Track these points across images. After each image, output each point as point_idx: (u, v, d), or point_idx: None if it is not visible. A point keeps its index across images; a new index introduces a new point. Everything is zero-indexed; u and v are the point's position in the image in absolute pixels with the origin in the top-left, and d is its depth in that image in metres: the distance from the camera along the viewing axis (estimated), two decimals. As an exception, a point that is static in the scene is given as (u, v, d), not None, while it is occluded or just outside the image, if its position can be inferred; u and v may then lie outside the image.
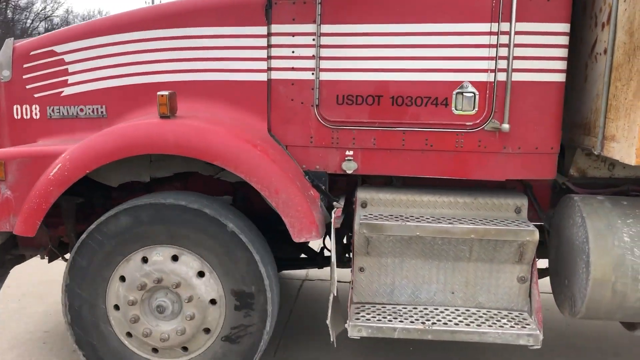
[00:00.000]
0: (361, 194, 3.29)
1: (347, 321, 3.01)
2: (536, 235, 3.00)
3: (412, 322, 3.01)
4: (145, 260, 3.07)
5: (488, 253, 3.10)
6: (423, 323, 3.00)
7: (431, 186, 3.36)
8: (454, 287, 3.20)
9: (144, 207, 3.01)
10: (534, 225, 3.08)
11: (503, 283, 3.16)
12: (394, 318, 3.06)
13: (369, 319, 3.04)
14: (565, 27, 2.99)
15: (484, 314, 3.13)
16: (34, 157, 3.14)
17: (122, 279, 3.09)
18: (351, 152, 3.23)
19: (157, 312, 3.08)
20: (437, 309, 3.17)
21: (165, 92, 3.00)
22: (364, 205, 3.28)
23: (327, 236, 3.17)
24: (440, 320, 3.03)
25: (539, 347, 2.93)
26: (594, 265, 2.91)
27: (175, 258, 3.05)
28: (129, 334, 3.15)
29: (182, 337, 3.07)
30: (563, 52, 3.02)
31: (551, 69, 3.02)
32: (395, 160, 3.20)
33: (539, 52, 3.00)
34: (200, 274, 3.04)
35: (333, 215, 3.00)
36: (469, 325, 3.00)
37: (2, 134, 3.63)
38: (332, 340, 3.02)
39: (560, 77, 3.04)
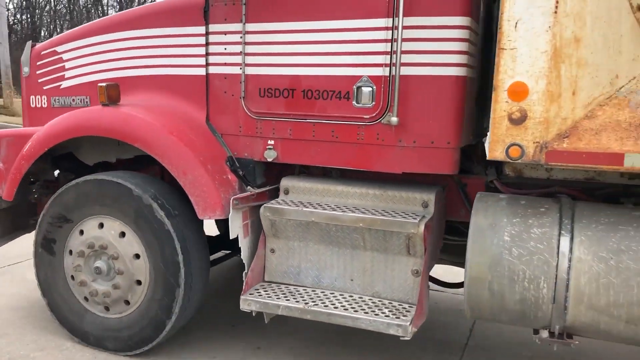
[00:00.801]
0: (284, 182, 3.52)
1: (240, 295, 3.27)
2: (420, 229, 3.01)
3: (296, 301, 3.18)
4: (81, 231, 3.58)
5: (380, 243, 3.16)
6: (306, 303, 3.16)
7: (349, 177, 3.49)
8: (352, 275, 3.30)
9: (81, 183, 3.53)
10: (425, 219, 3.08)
11: (398, 275, 3.19)
12: (285, 297, 3.24)
13: (260, 295, 3.26)
14: (463, 20, 2.96)
15: (375, 302, 3.19)
16: (16, 136, 3.84)
17: (76, 246, 3.63)
18: (272, 142, 3.47)
19: (95, 274, 3.58)
20: (333, 293, 3.29)
21: (104, 84, 3.51)
22: (286, 192, 3.51)
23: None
24: (324, 303, 3.16)
25: (408, 338, 2.94)
26: (469, 262, 2.86)
27: (100, 225, 3.52)
28: (85, 298, 3.68)
29: (119, 291, 3.52)
30: (463, 46, 2.99)
31: (448, 62, 3.00)
32: (308, 150, 3.38)
33: (432, 46, 3.00)
34: (122, 235, 3.47)
35: (231, 199, 3.27)
36: (347, 309, 3.09)
37: (24, 121, 4.43)
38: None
39: (460, 72, 3.01)
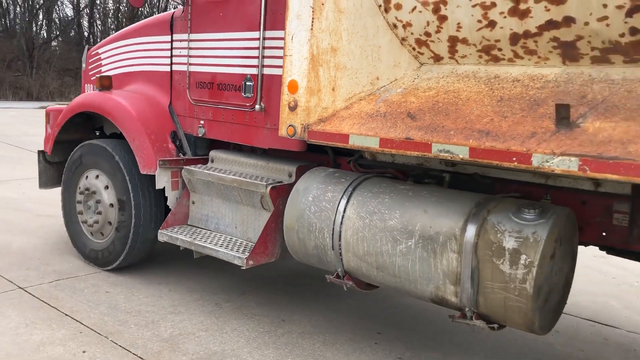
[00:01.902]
0: (211, 153, 4.70)
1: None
2: (267, 191, 3.99)
3: (191, 237, 4.34)
4: (86, 177, 5.10)
5: (249, 200, 4.20)
6: (194, 239, 4.30)
7: (255, 152, 4.54)
8: (236, 223, 4.37)
9: (84, 145, 5.05)
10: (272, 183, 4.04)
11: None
12: (188, 235, 4.41)
13: (172, 231, 4.47)
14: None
15: (243, 243, 4.22)
16: (57, 110, 5.49)
17: (79, 188, 5.18)
18: (202, 122, 4.67)
19: (87, 209, 5.08)
20: (223, 236, 4.39)
21: (99, 75, 4.98)
22: (212, 160, 4.68)
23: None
24: (209, 240, 4.28)
25: (243, 267, 3.95)
26: (285, 215, 3.80)
27: (97, 176, 5.00)
28: (84, 222, 5.22)
29: (99, 225, 4.99)
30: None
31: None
32: (220, 129, 4.52)
33: (279, 52, 3.95)
34: (106, 187, 4.92)
35: (157, 160, 4.52)
36: (216, 245, 4.18)
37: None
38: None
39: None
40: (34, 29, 32.23)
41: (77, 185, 5.18)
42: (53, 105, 5.77)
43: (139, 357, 3.60)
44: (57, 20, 34.04)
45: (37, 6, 32.53)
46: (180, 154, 4.75)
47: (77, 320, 4.04)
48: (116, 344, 3.75)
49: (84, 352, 3.61)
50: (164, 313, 4.27)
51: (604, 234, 3.25)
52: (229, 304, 4.54)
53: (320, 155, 4.25)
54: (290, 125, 3.46)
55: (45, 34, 32.74)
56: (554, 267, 2.96)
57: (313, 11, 3.24)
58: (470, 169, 3.58)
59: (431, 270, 3.15)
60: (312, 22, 3.27)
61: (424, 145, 2.91)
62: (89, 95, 5.15)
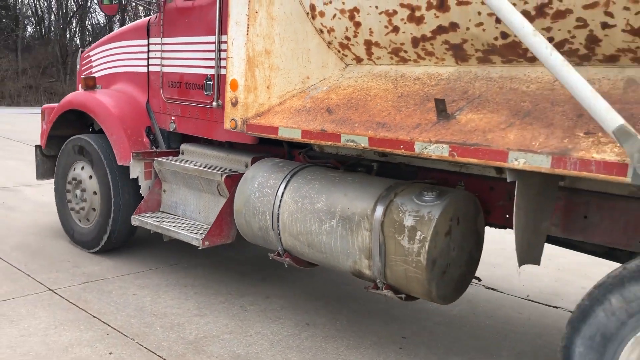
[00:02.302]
0: (182, 146, 5.18)
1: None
2: (222, 179, 4.44)
3: (159, 221, 4.82)
4: (74, 168, 5.63)
5: (209, 188, 4.66)
6: (161, 223, 4.78)
7: (220, 145, 5.00)
8: (199, 209, 4.84)
9: (72, 139, 5.58)
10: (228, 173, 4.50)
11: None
12: (158, 219, 4.90)
13: (145, 216, 4.96)
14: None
15: (204, 227, 4.68)
16: (49, 108, 6.04)
17: (68, 179, 5.71)
18: (173, 118, 5.15)
19: (75, 198, 5.62)
20: (188, 221, 4.86)
21: (83, 76, 5.51)
22: (182, 153, 5.17)
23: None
24: (174, 224, 4.75)
25: (200, 247, 4.41)
26: (235, 200, 4.25)
27: (82, 168, 5.53)
28: (72, 209, 5.75)
29: (84, 212, 5.52)
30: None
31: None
32: (188, 124, 5.00)
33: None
34: (90, 177, 5.44)
35: (131, 152, 5.02)
36: (179, 228, 4.65)
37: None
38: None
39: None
40: (68, 35, 33.46)
41: (66, 175, 5.71)
42: (48, 104, 6.31)
43: (164, 359, 3.66)
44: (89, 27, 35.26)
45: (71, 14, 33.78)
46: (153, 147, 5.24)
47: (104, 322, 4.13)
48: (142, 345, 3.81)
49: (110, 353, 3.69)
50: (189, 315, 4.34)
51: (507, 216, 3.63)
52: (254, 307, 4.59)
53: (278, 147, 4.69)
54: (232, 119, 3.91)
55: (78, 41, 33.95)
56: (451, 244, 3.36)
57: (248, 18, 3.68)
58: (398, 159, 3.98)
59: (349, 246, 3.57)
60: (248, 28, 3.72)
61: (335, 136, 3.33)
62: (75, 94, 5.68)
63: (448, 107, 3.04)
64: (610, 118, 2.29)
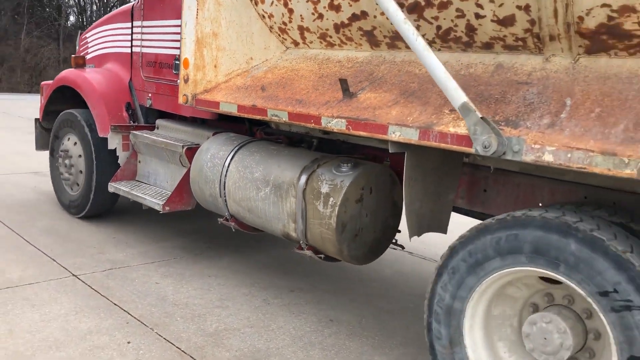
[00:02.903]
0: (157, 122, 5.65)
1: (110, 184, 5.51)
2: (183, 151, 4.89)
3: (131, 189, 5.30)
4: (64, 140, 6.16)
5: (173, 158, 5.11)
6: (132, 190, 5.26)
7: (193, 121, 5.44)
8: (167, 179, 5.30)
9: (64, 113, 6.11)
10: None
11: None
12: (130, 187, 5.38)
13: (119, 184, 5.45)
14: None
15: (167, 194, 5.14)
16: (46, 84, 6.58)
17: (60, 150, 6.24)
18: (150, 95, 5.62)
19: (65, 167, 6.15)
20: (157, 189, 5.33)
21: (74, 55, 6.01)
22: (157, 127, 5.64)
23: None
24: (144, 192, 5.23)
25: (161, 211, 4.88)
26: (191, 169, 4.69)
27: (69, 139, 6.05)
28: (63, 178, 6.29)
29: (72, 180, 6.05)
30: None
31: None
32: (161, 101, 5.46)
33: (201, 37, 4.84)
34: (78, 150, 5.96)
35: (110, 125, 5.51)
36: (146, 194, 5.13)
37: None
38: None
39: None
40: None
41: (58, 147, 6.26)
42: (46, 81, 6.85)
43: (182, 350, 3.62)
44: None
45: (112, 4, 34.79)
46: (132, 121, 5.72)
47: (124, 310, 4.10)
48: (160, 336, 3.78)
49: (128, 342, 3.66)
50: (210, 307, 4.29)
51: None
52: (277, 301, 4.52)
53: (241, 124, 5.10)
54: (184, 95, 4.34)
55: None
56: (363, 210, 3.73)
57: (197, 3, 4.10)
58: (337, 136, 4.36)
59: (280, 211, 3.98)
60: (197, 12, 4.13)
61: (263, 111, 3.74)
62: (67, 72, 6.20)
63: (355, 86, 3.41)
64: (457, 96, 2.65)
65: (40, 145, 6.85)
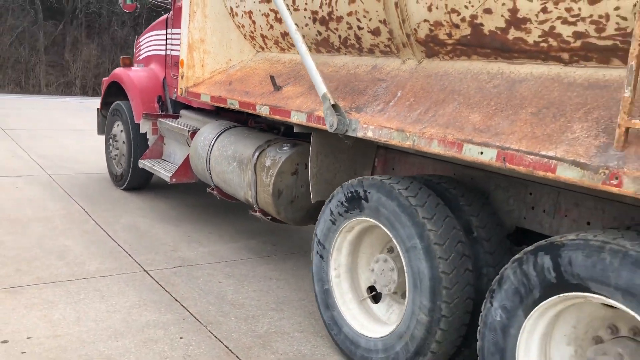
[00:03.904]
0: (181, 112, 6.86)
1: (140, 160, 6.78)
2: (188, 134, 6.03)
3: (157, 165, 6.52)
4: (113, 126, 7.55)
5: (183, 140, 6.27)
6: (155, 166, 6.49)
7: (206, 112, 6.59)
8: (181, 157, 6.46)
9: (114, 104, 7.49)
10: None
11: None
12: (157, 164, 6.61)
13: (148, 162, 6.69)
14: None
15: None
16: (104, 80, 8.00)
17: (110, 134, 7.64)
18: (175, 90, 6.82)
19: (114, 147, 7.53)
20: (174, 166, 6.52)
21: (122, 56, 7.37)
22: (180, 117, 6.85)
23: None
24: (167, 168, 6.44)
25: (169, 182, 6.05)
26: (190, 148, 5.82)
27: (118, 125, 7.41)
28: (112, 156, 7.68)
29: (118, 156, 7.41)
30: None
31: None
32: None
33: (205, 42, 5.97)
34: (121, 132, 7.30)
35: (142, 113, 6.77)
36: (161, 169, 6.32)
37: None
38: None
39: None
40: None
41: (110, 131, 7.66)
42: (105, 78, 8.29)
43: (230, 350, 3.72)
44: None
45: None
46: (161, 111, 6.97)
47: (184, 307, 4.27)
48: (212, 334, 3.91)
49: (181, 338, 3.81)
50: (266, 309, 4.37)
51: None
52: None
53: (240, 115, 6.18)
54: (180, 88, 5.47)
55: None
56: (298, 182, 4.67)
57: (189, 15, 5.22)
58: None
59: (242, 181, 5.00)
60: (189, 22, 5.25)
61: (224, 100, 4.78)
62: (117, 70, 7.57)
63: (284, 82, 4.37)
64: (320, 88, 3.54)
65: (100, 130, 8.31)
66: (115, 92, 7.75)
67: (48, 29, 23.60)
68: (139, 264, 5.03)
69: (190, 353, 3.65)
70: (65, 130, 11.91)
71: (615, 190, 2.17)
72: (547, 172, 2.41)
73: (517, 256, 2.60)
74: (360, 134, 3.36)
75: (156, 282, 4.69)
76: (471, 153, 2.73)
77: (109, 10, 24.60)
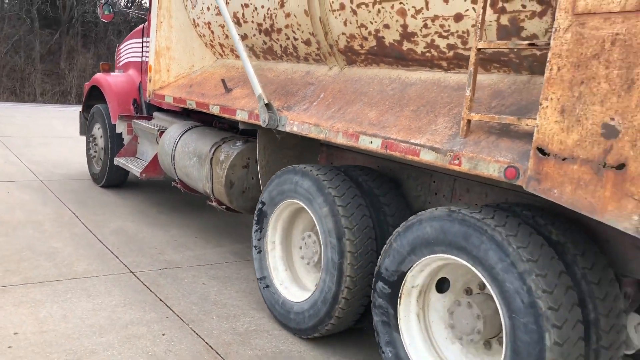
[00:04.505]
0: (154, 114, 7.44)
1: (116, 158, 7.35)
2: (157, 133, 6.61)
3: (130, 162, 7.09)
4: (93, 128, 8.13)
5: (153, 139, 6.84)
6: (128, 163, 7.06)
7: (177, 113, 7.18)
8: (152, 154, 7.04)
9: (94, 107, 8.07)
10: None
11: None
12: (131, 161, 7.18)
13: (122, 159, 7.27)
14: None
15: (151, 167, 6.89)
16: (86, 85, 8.59)
17: (91, 134, 8.22)
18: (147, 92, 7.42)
19: (93, 147, 8.10)
20: (145, 162, 7.09)
21: (102, 62, 7.96)
22: (153, 118, 7.44)
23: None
24: (136, 165, 7.01)
25: (139, 177, 6.62)
26: (158, 146, 6.39)
27: (97, 127, 7.99)
28: (91, 156, 8.25)
29: (97, 155, 7.99)
30: (186, 51, 6.50)
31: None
32: (155, 97, 7.24)
33: (174, 50, 6.57)
34: (100, 133, 7.88)
35: (118, 117, 7.35)
36: (134, 165, 6.90)
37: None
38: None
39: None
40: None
41: (90, 132, 8.23)
42: (87, 82, 8.87)
43: (210, 346, 3.85)
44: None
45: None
46: (136, 113, 7.55)
47: (167, 306, 4.38)
48: (194, 331, 4.04)
49: (163, 334, 3.93)
50: (247, 309, 4.50)
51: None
52: None
53: (209, 116, 6.76)
54: (148, 91, 6.06)
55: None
56: (249, 174, 5.24)
57: (157, 25, 5.82)
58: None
59: (201, 174, 5.58)
60: (157, 32, 5.85)
61: (184, 101, 5.37)
62: (96, 75, 8.15)
63: (234, 84, 4.97)
64: (257, 90, 4.14)
65: (82, 132, 8.88)
66: (95, 96, 8.33)
67: (44, 38, 24.04)
68: (126, 266, 5.16)
69: (172, 348, 3.78)
70: (59, 137, 12.20)
71: (456, 168, 2.76)
72: (414, 156, 3.00)
73: (398, 229, 3.18)
74: (288, 129, 3.95)
75: (142, 282, 4.82)
76: (364, 142, 3.32)
77: (102, 19, 25.22)
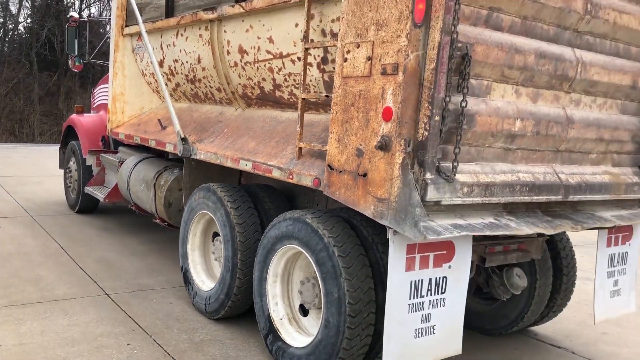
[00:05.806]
0: (119, 148, 8.62)
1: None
2: (118, 164, 7.78)
3: (98, 190, 8.25)
4: (69, 161, 9.31)
5: (116, 170, 8.01)
6: (94, 190, 8.21)
7: (141, 148, 8.35)
8: (114, 183, 8.20)
9: (69, 144, 9.27)
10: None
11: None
12: (98, 190, 8.32)
13: (90, 187, 8.41)
14: (141, 85, 7.71)
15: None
16: (64, 124, 9.80)
17: (67, 167, 9.39)
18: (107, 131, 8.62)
19: (69, 178, 9.26)
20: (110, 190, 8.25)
21: (75, 105, 9.18)
22: (119, 152, 8.61)
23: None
24: (102, 193, 8.16)
25: (102, 202, 7.76)
26: (118, 174, 7.55)
27: (72, 161, 9.17)
28: (68, 186, 9.41)
29: (72, 186, 9.15)
30: (141, 95, 7.73)
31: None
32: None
33: (132, 94, 7.79)
34: (75, 166, 9.05)
35: (87, 152, 8.53)
36: (100, 192, 8.05)
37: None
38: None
39: (140, 104, 7.74)
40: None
41: (67, 165, 9.41)
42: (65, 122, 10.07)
43: (168, 353, 4.33)
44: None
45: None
46: (104, 148, 8.74)
47: (135, 322, 4.84)
48: (155, 341, 4.50)
49: (128, 344, 4.41)
50: (206, 323, 4.95)
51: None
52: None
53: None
54: (108, 129, 7.25)
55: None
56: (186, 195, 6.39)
57: (113, 75, 7.04)
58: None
59: (148, 197, 6.71)
60: (113, 80, 7.07)
61: (132, 137, 6.55)
62: (72, 116, 9.37)
63: (168, 123, 6.15)
64: (177, 127, 5.31)
65: (61, 165, 10.06)
66: (72, 134, 9.54)
67: (43, 80, 24.91)
68: (102, 289, 5.61)
69: (134, 355, 4.25)
70: (51, 175, 12.43)
71: (291, 181, 3.91)
72: (269, 173, 4.16)
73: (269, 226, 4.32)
74: (198, 157, 5.12)
75: (114, 302, 5.28)
76: (242, 165, 4.49)
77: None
